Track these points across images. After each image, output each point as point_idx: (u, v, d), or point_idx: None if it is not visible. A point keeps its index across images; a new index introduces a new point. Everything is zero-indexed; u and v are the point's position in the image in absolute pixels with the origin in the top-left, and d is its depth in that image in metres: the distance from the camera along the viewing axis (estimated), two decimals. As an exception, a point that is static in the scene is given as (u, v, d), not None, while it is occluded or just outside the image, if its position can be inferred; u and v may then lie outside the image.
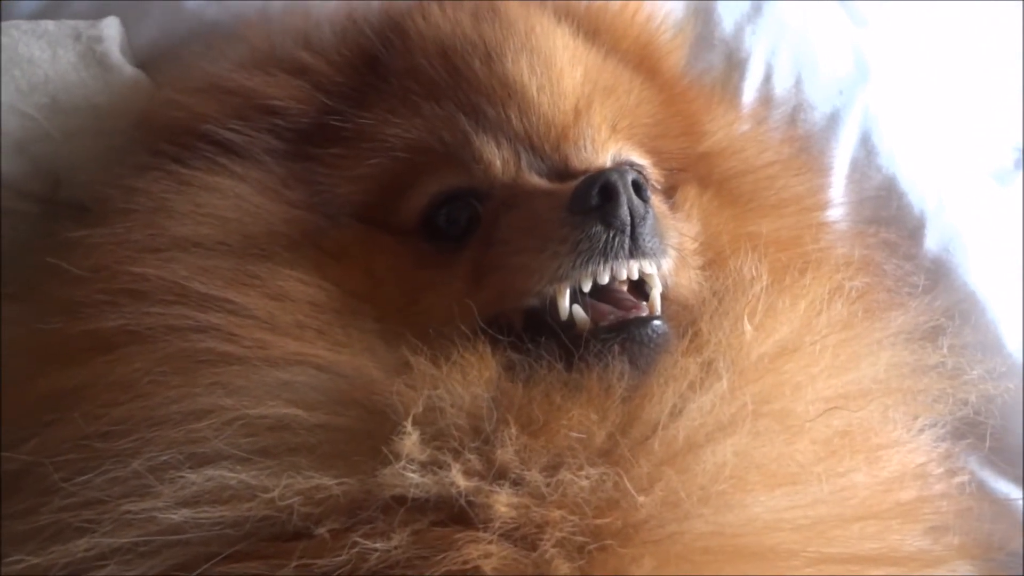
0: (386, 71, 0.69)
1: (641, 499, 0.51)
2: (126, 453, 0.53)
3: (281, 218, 0.64)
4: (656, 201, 0.63)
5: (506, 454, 0.52)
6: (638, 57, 0.76)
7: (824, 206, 0.83)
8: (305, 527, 0.51)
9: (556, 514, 0.51)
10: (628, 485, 0.51)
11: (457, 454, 0.52)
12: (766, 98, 0.91)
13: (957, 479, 0.72)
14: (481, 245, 0.62)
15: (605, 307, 0.58)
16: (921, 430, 0.68)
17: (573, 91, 0.68)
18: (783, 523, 0.54)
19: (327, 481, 0.52)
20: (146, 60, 0.78)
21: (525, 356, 0.56)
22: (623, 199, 0.57)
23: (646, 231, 0.58)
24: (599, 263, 0.58)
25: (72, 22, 0.75)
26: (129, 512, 0.51)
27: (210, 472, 0.51)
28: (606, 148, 0.67)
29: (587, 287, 0.57)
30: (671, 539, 0.51)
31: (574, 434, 0.52)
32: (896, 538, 0.59)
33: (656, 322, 0.58)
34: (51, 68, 0.72)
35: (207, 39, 0.79)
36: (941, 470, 0.69)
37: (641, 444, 0.53)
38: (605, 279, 0.58)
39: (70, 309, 0.60)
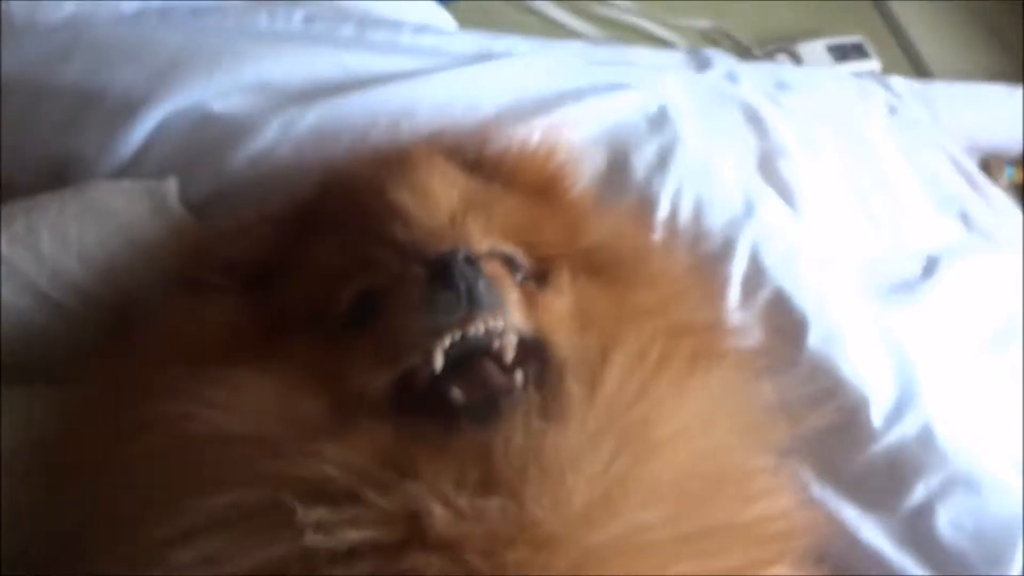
0: (315, 216, 0.90)
1: (540, 515, 0.65)
2: (135, 529, 0.68)
3: (242, 334, 0.82)
4: (494, 269, 0.79)
5: (390, 504, 0.66)
6: (523, 181, 0.96)
7: (697, 284, 0.99)
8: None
9: (475, 532, 0.65)
10: (525, 505, 0.66)
11: (349, 514, 0.65)
12: (672, 228, 1.12)
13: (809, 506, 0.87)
14: (380, 323, 0.78)
15: (476, 385, 0.74)
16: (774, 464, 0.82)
17: (448, 206, 0.84)
18: (651, 535, 0.68)
19: (271, 550, 0.64)
20: (198, 209, 1.02)
21: (415, 422, 0.72)
22: (456, 268, 0.73)
23: (480, 290, 0.73)
24: (446, 317, 0.73)
25: (144, 181, 1.00)
26: None
27: (196, 546, 0.65)
28: (481, 245, 0.81)
29: (447, 342, 0.73)
30: (572, 546, 0.65)
31: (442, 483, 0.67)
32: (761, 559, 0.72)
33: (517, 393, 0.74)
34: (129, 216, 0.95)
35: (240, 196, 1.04)
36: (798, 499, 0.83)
37: (520, 474, 0.68)
38: (458, 335, 0.73)
39: (104, 403, 0.80)
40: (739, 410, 0.83)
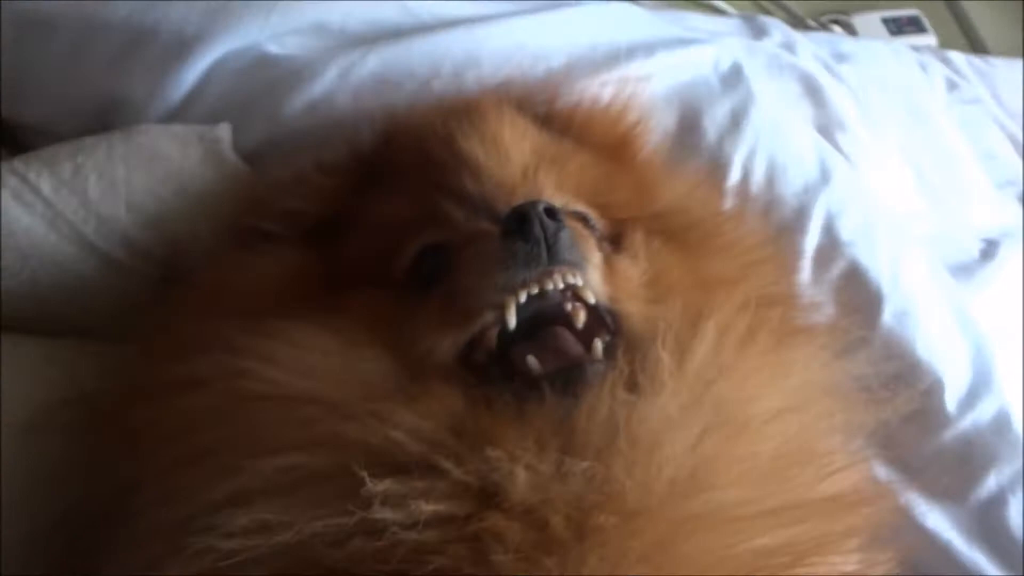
0: (378, 166, 0.86)
1: (628, 484, 0.62)
2: (188, 491, 0.65)
3: (304, 290, 0.78)
4: (574, 223, 0.75)
5: (463, 475, 0.62)
6: (595, 140, 0.91)
7: (774, 255, 0.94)
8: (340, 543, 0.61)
9: (559, 495, 0.61)
10: (614, 476, 0.62)
11: (420, 485, 0.61)
12: (744, 194, 1.07)
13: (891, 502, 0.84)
14: (448, 281, 0.74)
15: (551, 354, 0.70)
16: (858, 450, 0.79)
17: (520, 159, 0.81)
18: (737, 515, 0.65)
19: (333, 520, 0.60)
20: (251, 158, 0.97)
21: (486, 388, 0.68)
22: (535, 219, 0.68)
23: (561, 244, 0.69)
24: (524, 272, 0.68)
25: (195, 126, 0.95)
26: (197, 545, 0.60)
27: (251, 511, 0.61)
28: (554, 202, 0.76)
29: (523, 298, 0.69)
30: (659, 518, 0.62)
31: (524, 451, 0.63)
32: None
33: (598, 364, 0.69)
34: (182, 162, 0.90)
35: (296, 144, 0.98)
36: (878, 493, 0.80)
37: (608, 445, 0.64)
38: (535, 290, 0.69)
39: (153, 359, 0.76)
40: (824, 390, 0.78)
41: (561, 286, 0.70)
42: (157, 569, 0.62)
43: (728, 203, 1.05)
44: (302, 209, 0.85)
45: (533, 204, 0.69)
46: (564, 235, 0.70)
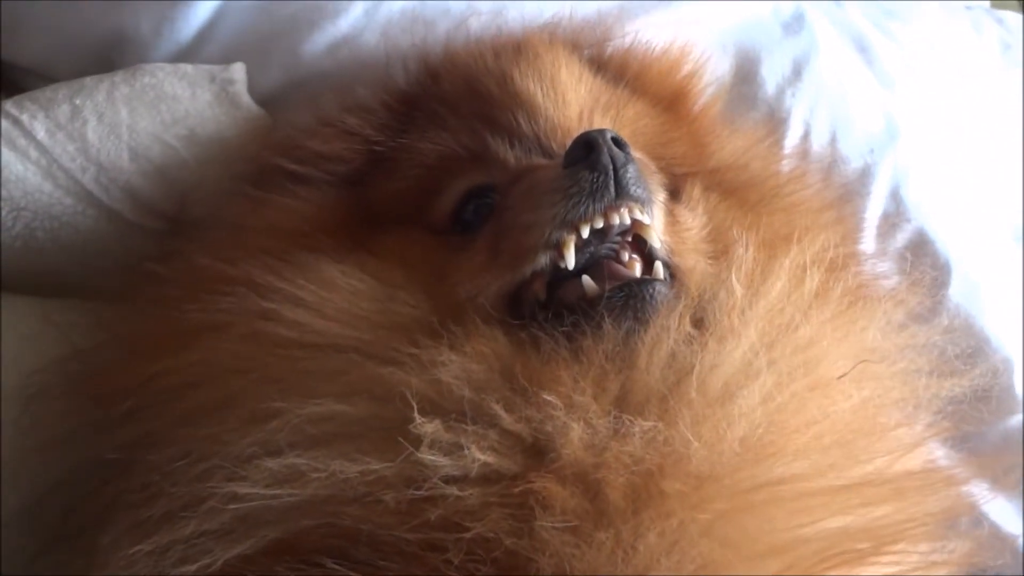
0: (419, 104, 0.78)
1: (693, 444, 0.55)
2: (210, 440, 0.58)
3: (332, 229, 0.71)
4: (639, 156, 0.67)
5: (513, 424, 0.55)
6: (652, 90, 0.82)
7: (838, 220, 0.87)
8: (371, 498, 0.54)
9: (617, 458, 0.54)
10: (680, 434, 0.55)
11: (468, 433, 0.55)
12: (804, 152, 0.97)
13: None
14: (496, 221, 0.67)
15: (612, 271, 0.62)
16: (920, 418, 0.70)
17: (576, 102, 0.75)
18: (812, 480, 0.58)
19: (373, 466, 0.54)
20: (267, 102, 0.87)
21: (535, 330, 0.60)
22: (603, 147, 0.62)
23: (629, 176, 0.62)
24: (589, 204, 0.62)
25: (207, 66, 0.84)
26: (220, 495, 0.55)
27: (282, 459, 0.56)
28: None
29: (585, 232, 0.62)
30: (724, 489, 0.55)
31: (581, 395, 0.56)
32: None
33: (659, 284, 0.62)
34: (191, 105, 0.80)
35: (318, 87, 0.87)
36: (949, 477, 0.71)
37: (673, 392, 0.56)
38: (599, 223, 0.62)
39: (163, 306, 0.67)
40: (894, 359, 0.70)
41: (628, 221, 0.63)
42: (169, 525, 0.56)
43: (788, 161, 0.95)
44: (334, 152, 0.76)
45: (601, 132, 0.64)
46: (632, 167, 0.63)
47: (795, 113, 0.98)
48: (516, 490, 0.53)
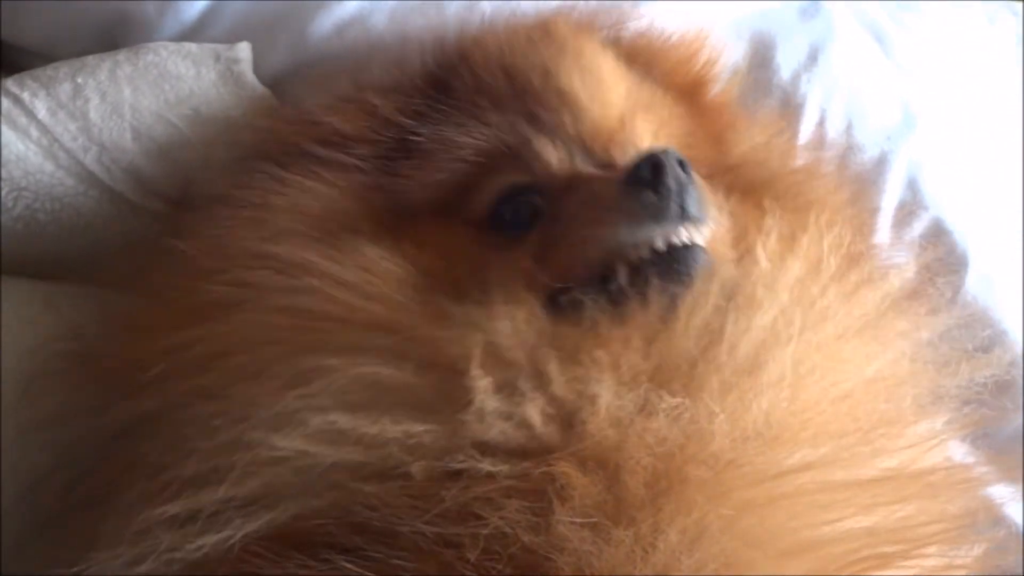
0: (452, 91, 0.74)
1: (719, 420, 0.53)
2: (247, 403, 0.56)
3: (365, 216, 0.68)
4: (697, 177, 0.67)
5: (560, 388, 0.54)
6: (674, 82, 0.81)
7: (854, 215, 0.85)
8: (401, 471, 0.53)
9: (636, 442, 0.53)
10: (704, 407, 0.53)
11: (523, 393, 0.54)
12: (819, 139, 0.94)
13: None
14: (545, 228, 0.66)
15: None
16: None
17: (618, 103, 0.73)
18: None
19: (416, 428, 0.54)
20: (274, 84, 0.84)
21: (578, 295, 0.60)
22: (669, 170, 0.61)
23: (691, 199, 0.62)
24: (652, 227, 0.61)
25: (212, 45, 0.81)
26: (255, 451, 0.54)
27: (325, 416, 0.54)
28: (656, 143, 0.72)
29: (645, 254, 0.61)
30: (747, 475, 0.53)
31: (621, 361, 0.55)
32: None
33: (701, 250, 0.62)
34: (195, 84, 0.77)
35: (326, 68, 0.85)
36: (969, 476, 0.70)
37: (707, 353, 0.56)
38: (660, 243, 0.62)
39: (186, 279, 0.64)
40: (910, 353, 0.68)
41: (688, 243, 0.62)
42: (195, 489, 0.55)
43: (803, 154, 0.92)
44: (358, 133, 0.73)
45: (666, 153, 0.63)
46: (692, 189, 0.63)
47: (810, 99, 0.95)
48: (537, 472, 0.51)
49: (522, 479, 0.51)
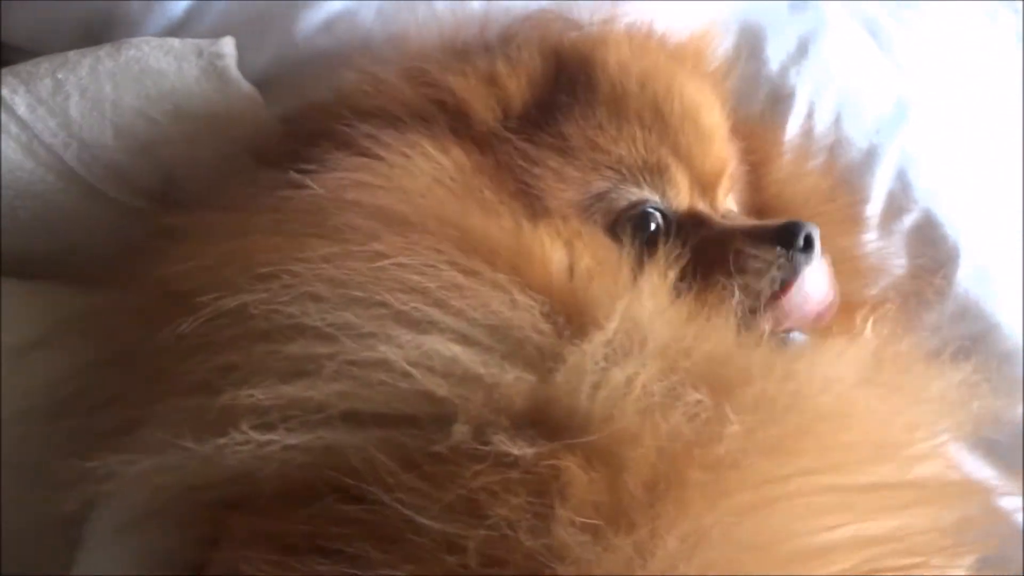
0: (584, 92, 0.73)
1: (732, 428, 0.52)
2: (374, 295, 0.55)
3: (502, 198, 0.67)
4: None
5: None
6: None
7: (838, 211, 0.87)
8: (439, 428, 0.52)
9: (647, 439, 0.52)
10: (719, 415, 0.53)
11: (627, 365, 0.54)
12: (807, 132, 0.93)
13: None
14: (675, 260, 0.67)
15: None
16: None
17: (725, 144, 0.77)
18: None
19: (518, 376, 0.53)
20: (257, 81, 0.83)
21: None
22: (817, 246, 0.68)
23: (811, 269, 0.68)
24: (771, 285, 0.67)
25: (195, 40, 0.80)
26: (356, 354, 0.53)
27: (439, 340, 0.54)
28: (726, 199, 0.77)
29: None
30: (749, 478, 0.52)
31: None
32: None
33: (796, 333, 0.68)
34: (177, 79, 0.76)
35: (314, 67, 0.84)
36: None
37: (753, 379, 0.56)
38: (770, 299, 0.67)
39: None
40: (902, 365, 0.67)
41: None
42: (258, 381, 0.53)
43: (789, 149, 0.92)
44: (481, 105, 0.71)
45: (815, 227, 0.69)
46: (816, 262, 0.69)
47: (799, 92, 0.94)
48: (543, 465, 0.50)
49: (529, 471, 0.50)
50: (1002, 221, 0.97)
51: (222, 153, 0.75)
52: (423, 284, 0.56)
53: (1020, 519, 0.81)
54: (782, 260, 0.68)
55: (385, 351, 0.53)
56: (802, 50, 0.95)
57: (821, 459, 0.55)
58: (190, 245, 0.63)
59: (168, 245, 0.64)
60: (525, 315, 0.56)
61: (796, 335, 0.68)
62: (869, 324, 0.72)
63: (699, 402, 0.53)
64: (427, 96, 0.71)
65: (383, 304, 0.55)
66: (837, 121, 0.94)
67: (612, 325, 0.56)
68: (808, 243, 0.69)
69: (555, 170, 0.69)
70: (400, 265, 0.56)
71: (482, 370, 0.53)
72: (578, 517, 0.49)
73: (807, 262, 0.68)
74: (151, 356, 0.59)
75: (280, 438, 0.52)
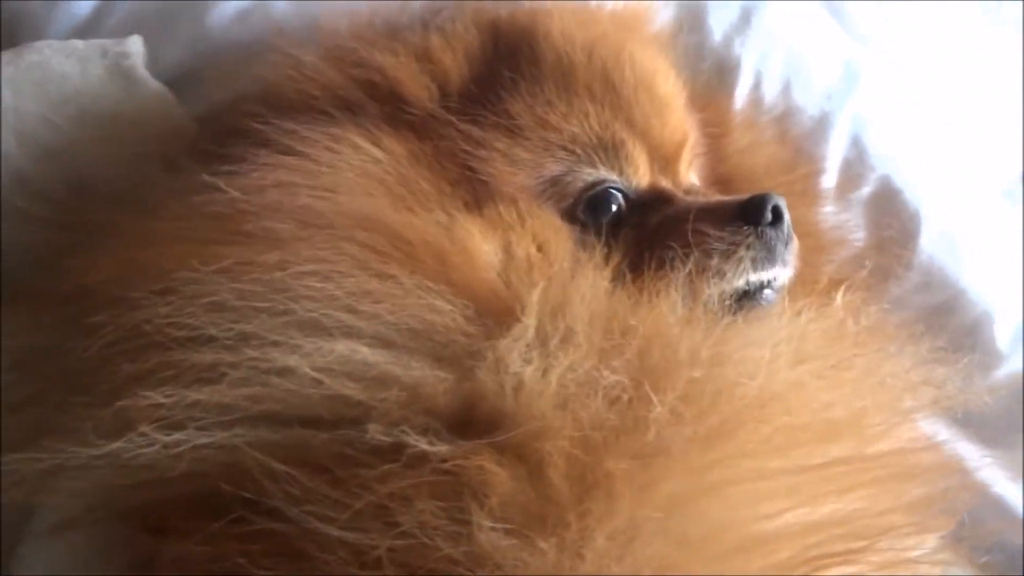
0: (528, 66, 0.70)
1: (656, 411, 0.50)
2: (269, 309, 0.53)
3: (440, 187, 0.64)
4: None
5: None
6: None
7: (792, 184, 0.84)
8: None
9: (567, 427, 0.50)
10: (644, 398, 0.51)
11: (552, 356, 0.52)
12: (755, 103, 0.90)
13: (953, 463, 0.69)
14: (636, 242, 0.66)
15: None
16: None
17: (680, 117, 0.74)
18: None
19: (435, 374, 0.51)
20: (170, 78, 0.79)
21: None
22: (787, 218, 0.66)
23: (789, 244, 0.67)
24: (767, 267, 0.65)
25: (99, 41, 0.77)
26: (261, 362, 0.51)
27: (346, 343, 0.51)
28: (688, 172, 0.74)
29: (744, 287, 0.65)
30: (679, 465, 0.50)
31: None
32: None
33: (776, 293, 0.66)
34: (81, 82, 0.73)
35: (229, 60, 0.80)
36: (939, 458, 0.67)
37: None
38: (766, 279, 0.66)
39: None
40: (860, 342, 0.65)
41: (767, 281, 0.67)
42: (197, 384, 0.52)
43: (744, 120, 0.89)
44: (415, 87, 0.68)
45: (782, 198, 0.67)
46: (787, 232, 0.67)
47: (745, 62, 0.90)
48: (456, 464, 0.48)
49: (443, 472, 0.48)
50: (964, 181, 0.94)
51: (133, 155, 0.72)
52: (331, 291, 0.53)
53: (995, 490, 0.79)
54: (751, 239, 0.65)
55: (290, 359, 0.51)
56: (745, 19, 0.92)
57: (759, 444, 0.52)
58: (94, 256, 0.60)
59: (73, 256, 0.62)
60: (446, 317, 0.54)
61: (768, 294, 0.66)
62: (839, 295, 0.68)
63: (618, 384, 0.51)
64: (355, 78, 0.67)
65: (288, 312, 0.52)
66: (786, 89, 0.91)
67: (531, 320, 0.53)
68: (777, 215, 0.65)
69: (503, 152, 0.66)
70: (307, 272, 0.54)
71: (398, 371, 0.51)
72: (500, 519, 0.46)
73: (779, 237, 0.66)
74: (61, 361, 0.58)
75: (189, 438, 0.50)
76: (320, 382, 0.50)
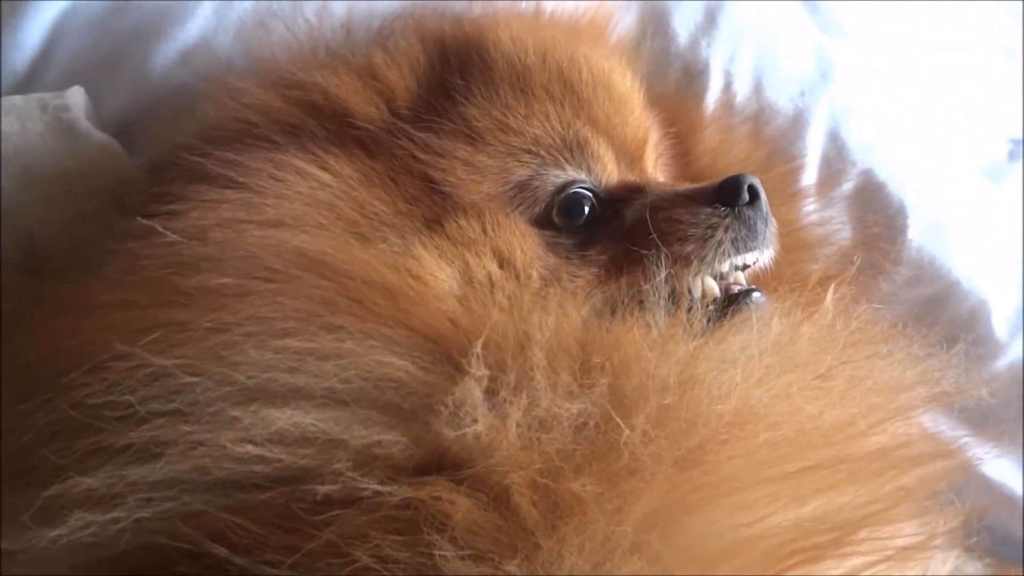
0: (480, 72, 0.68)
1: (626, 434, 0.49)
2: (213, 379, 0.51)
3: (397, 207, 0.62)
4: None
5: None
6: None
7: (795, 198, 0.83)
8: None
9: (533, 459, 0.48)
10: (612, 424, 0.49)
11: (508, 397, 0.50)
12: (727, 103, 0.87)
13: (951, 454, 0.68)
14: (615, 238, 0.64)
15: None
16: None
17: (640, 113, 0.72)
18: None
19: (388, 437, 0.49)
20: (116, 127, 0.76)
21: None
22: (761, 196, 0.65)
23: (770, 224, 0.66)
24: (749, 246, 0.64)
25: (38, 95, 0.74)
26: (200, 441, 0.49)
27: (290, 413, 0.49)
28: (655, 171, 0.73)
29: (729, 268, 0.64)
30: (653, 483, 0.48)
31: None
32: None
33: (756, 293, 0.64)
34: (21, 140, 0.70)
35: (174, 103, 0.77)
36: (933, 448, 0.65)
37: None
38: (741, 263, 0.64)
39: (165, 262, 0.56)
40: (851, 341, 0.63)
41: (751, 263, 0.66)
42: (138, 463, 0.49)
43: (713, 119, 0.86)
44: (360, 105, 0.65)
45: (756, 178, 0.65)
46: (767, 213, 0.66)
47: (713, 63, 0.87)
48: (414, 498, 0.46)
49: (399, 508, 0.47)
50: (947, 163, 0.91)
51: (78, 213, 0.69)
52: (270, 355, 0.50)
53: (997, 479, 0.77)
54: (729, 219, 0.64)
55: (227, 435, 0.49)
56: (710, 18, 0.89)
57: (739, 459, 0.51)
58: (32, 333, 0.58)
59: (14, 329, 0.59)
60: (398, 371, 0.51)
61: (757, 296, 0.64)
62: (829, 293, 0.66)
63: (583, 411, 0.50)
64: (295, 100, 0.65)
65: (227, 381, 0.50)
66: (758, 88, 0.88)
67: (483, 370, 0.51)
68: (753, 194, 0.65)
69: (465, 160, 0.64)
70: (247, 334, 0.51)
71: (347, 437, 0.49)
72: (465, 547, 0.45)
73: (758, 216, 0.64)
74: (10, 436, 0.55)
75: (128, 513, 0.48)
76: (263, 457, 0.48)
